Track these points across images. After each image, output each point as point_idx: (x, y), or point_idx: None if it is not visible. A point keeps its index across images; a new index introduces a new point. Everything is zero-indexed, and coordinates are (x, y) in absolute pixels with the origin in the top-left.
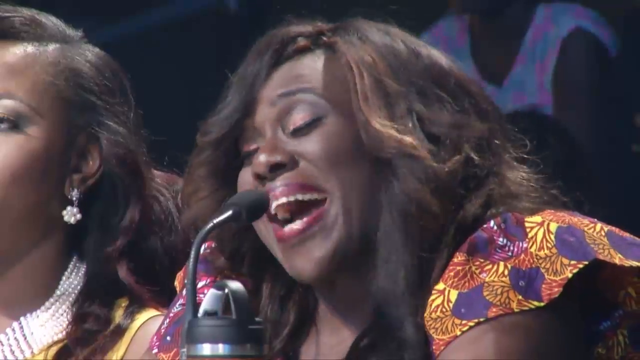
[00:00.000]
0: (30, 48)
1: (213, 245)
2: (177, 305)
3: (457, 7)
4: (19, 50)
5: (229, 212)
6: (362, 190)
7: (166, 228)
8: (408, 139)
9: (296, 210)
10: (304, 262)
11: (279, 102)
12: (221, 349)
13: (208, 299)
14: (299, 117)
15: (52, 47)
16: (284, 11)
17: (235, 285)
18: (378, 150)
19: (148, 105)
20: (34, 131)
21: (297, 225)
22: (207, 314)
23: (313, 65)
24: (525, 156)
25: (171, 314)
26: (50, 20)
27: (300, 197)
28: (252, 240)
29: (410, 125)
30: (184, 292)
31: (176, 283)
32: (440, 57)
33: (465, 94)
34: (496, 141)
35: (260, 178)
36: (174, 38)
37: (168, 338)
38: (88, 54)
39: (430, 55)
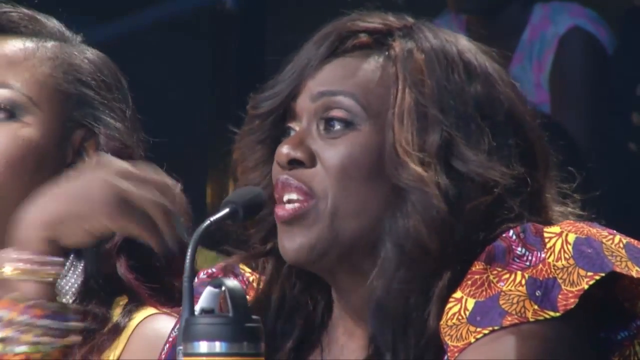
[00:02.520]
0: (29, 42)
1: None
2: (175, 331)
3: (454, 7)
4: (17, 43)
5: (226, 210)
6: (364, 206)
7: None
8: (426, 173)
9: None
10: (288, 243)
11: (320, 99)
12: (218, 346)
13: (205, 296)
14: (334, 114)
15: (50, 43)
16: (280, 10)
17: (232, 283)
18: (395, 176)
19: (144, 105)
20: (30, 120)
21: (286, 211)
22: (204, 311)
23: (363, 67)
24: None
25: (170, 339)
26: (49, 20)
27: (302, 197)
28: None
29: (436, 157)
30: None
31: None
32: (499, 84)
33: (513, 130)
34: (536, 184)
35: (280, 165)
36: (170, 37)
37: None
38: (87, 52)
39: (487, 81)
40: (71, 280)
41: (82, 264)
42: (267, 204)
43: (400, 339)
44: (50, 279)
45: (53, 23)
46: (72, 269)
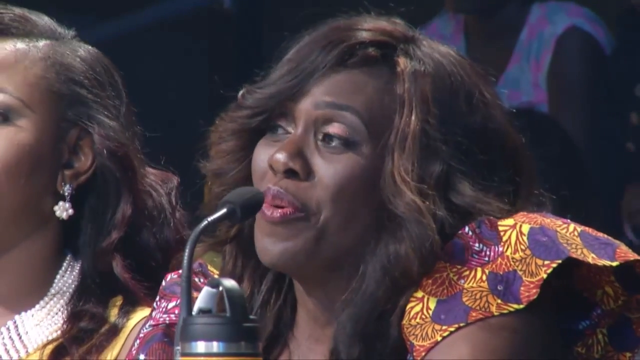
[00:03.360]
0: (20, 43)
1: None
2: (146, 327)
3: (452, 7)
4: (8, 46)
5: (224, 210)
6: (356, 225)
7: (158, 224)
8: (424, 204)
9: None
10: (270, 244)
11: (324, 108)
12: (215, 346)
13: (202, 296)
14: (336, 130)
15: (42, 42)
16: (277, 10)
17: (230, 283)
18: (390, 202)
19: (141, 104)
20: (25, 124)
21: (277, 213)
22: (202, 311)
23: (371, 84)
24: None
25: (141, 335)
26: (41, 18)
27: (292, 209)
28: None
29: (435, 189)
30: (153, 313)
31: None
32: (495, 114)
33: (509, 162)
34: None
35: (272, 170)
36: (167, 36)
37: (142, 357)
38: (79, 50)
39: (486, 112)
40: (69, 280)
41: (79, 264)
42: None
43: (367, 350)
44: None
45: (44, 21)
46: (69, 269)
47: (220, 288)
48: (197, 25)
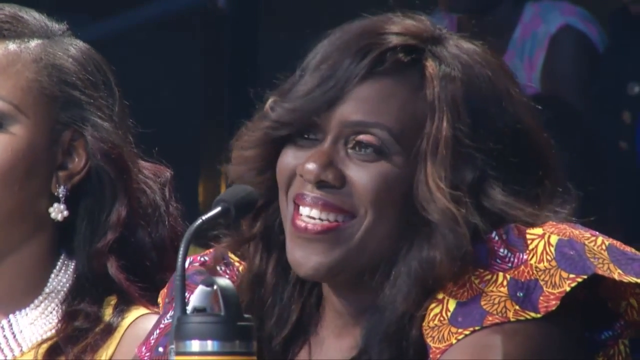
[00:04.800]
0: (11, 46)
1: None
2: (167, 317)
3: (445, 7)
4: (0, 49)
5: (218, 209)
6: (392, 231)
7: (153, 222)
8: (456, 211)
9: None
10: (304, 259)
11: (354, 126)
12: (210, 345)
13: (197, 295)
14: (368, 139)
15: (34, 43)
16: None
17: (224, 281)
18: (424, 209)
19: (135, 103)
20: (18, 130)
21: (316, 224)
22: (196, 310)
23: (400, 92)
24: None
25: (162, 325)
26: (32, 16)
27: (332, 218)
28: (266, 219)
29: (468, 195)
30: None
31: (159, 300)
32: (524, 114)
33: (534, 161)
34: (544, 216)
35: (305, 180)
36: (162, 35)
37: (160, 349)
38: (71, 49)
39: (515, 114)
40: (63, 279)
41: (73, 263)
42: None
43: (397, 352)
44: None
45: (35, 19)
46: (64, 268)
47: (215, 287)
48: (191, 25)
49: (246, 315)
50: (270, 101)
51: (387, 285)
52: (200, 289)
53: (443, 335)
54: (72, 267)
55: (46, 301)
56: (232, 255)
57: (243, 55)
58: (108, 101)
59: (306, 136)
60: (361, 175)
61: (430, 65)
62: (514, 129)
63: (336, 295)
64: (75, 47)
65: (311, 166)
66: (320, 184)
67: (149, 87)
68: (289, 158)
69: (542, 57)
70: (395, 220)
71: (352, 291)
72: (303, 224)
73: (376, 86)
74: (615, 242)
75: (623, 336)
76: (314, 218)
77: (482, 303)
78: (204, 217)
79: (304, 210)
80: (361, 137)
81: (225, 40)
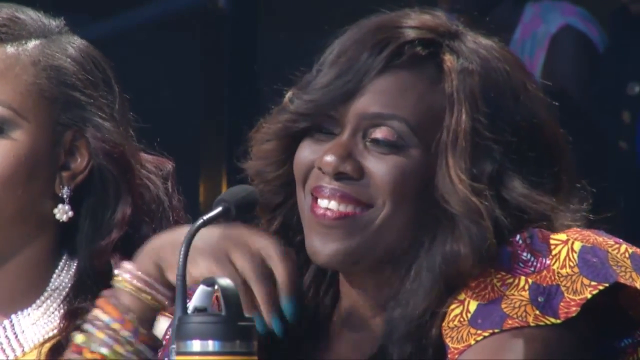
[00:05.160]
0: (9, 49)
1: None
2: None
3: (445, 7)
4: None
5: (219, 209)
6: (410, 223)
7: (157, 218)
8: (479, 203)
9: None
10: (322, 246)
11: (372, 119)
12: (211, 345)
13: (198, 295)
14: (384, 134)
15: (32, 44)
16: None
17: (225, 281)
18: (446, 201)
19: (136, 103)
20: (19, 135)
21: (333, 209)
22: (197, 310)
23: (418, 85)
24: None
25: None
26: (29, 16)
27: (350, 209)
28: (285, 216)
29: (489, 187)
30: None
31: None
32: (540, 109)
33: (550, 156)
34: (561, 210)
35: (321, 171)
36: (162, 35)
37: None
38: (69, 48)
39: (532, 108)
40: (65, 278)
41: (75, 263)
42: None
43: (417, 349)
44: (149, 300)
45: (32, 19)
46: (66, 267)
47: (216, 287)
48: (191, 25)
49: (247, 315)
50: (289, 94)
51: (408, 280)
52: (201, 288)
53: (462, 335)
54: (74, 266)
55: (48, 301)
56: None
57: (243, 55)
58: (108, 99)
59: (324, 130)
60: (379, 167)
61: (449, 59)
62: (530, 123)
63: (354, 288)
64: (73, 45)
65: (330, 158)
66: (338, 176)
67: (149, 87)
68: (307, 151)
69: (542, 57)
70: (413, 212)
71: (370, 284)
72: (322, 211)
73: (393, 79)
74: (638, 250)
75: None
76: (332, 210)
77: (503, 306)
78: (204, 217)
79: (322, 203)
80: (377, 133)
81: (225, 40)
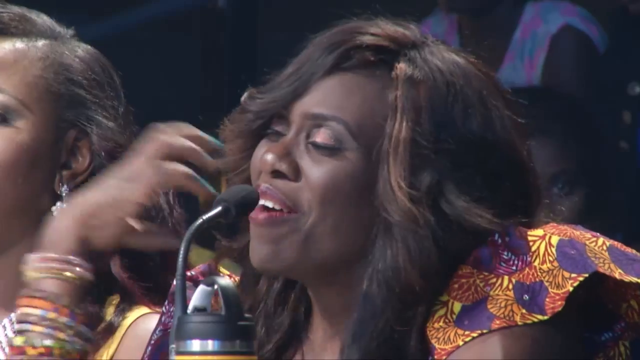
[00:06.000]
0: (19, 43)
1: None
2: (157, 332)
3: (445, 7)
4: (7, 45)
5: (219, 209)
6: (345, 230)
7: (156, 218)
8: (417, 212)
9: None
10: (255, 249)
11: (314, 119)
12: (210, 345)
13: (197, 295)
14: (322, 136)
15: (41, 42)
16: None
17: (225, 281)
18: (385, 209)
19: (134, 103)
20: (23, 124)
21: (263, 215)
22: (197, 310)
23: (364, 89)
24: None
25: (152, 341)
26: (40, 18)
27: (277, 207)
28: None
29: (426, 195)
30: (163, 318)
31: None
32: (497, 124)
33: (506, 173)
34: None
35: (262, 172)
36: (161, 35)
37: None
38: (77, 50)
39: (486, 122)
40: None
41: None
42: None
43: (380, 349)
44: (74, 279)
45: (43, 20)
46: None
47: (215, 286)
48: (191, 25)
49: (247, 315)
50: (246, 93)
51: (361, 296)
52: (201, 288)
53: (449, 336)
54: None
55: None
56: (222, 269)
57: (243, 55)
58: (114, 102)
59: (277, 129)
60: (314, 170)
61: (400, 67)
62: (481, 138)
63: (318, 297)
64: (82, 49)
65: (268, 156)
66: (275, 174)
67: (149, 87)
68: (259, 154)
69: (542, 57)
70: (348, 219)
71: (331, 293)
72: (255, 215)
73: (340, 80)
74: (616, 243)
75: (623, 338)
76: (264, 208)
77: (489, 306)
78: (204, 217)
79: (260, 202)
80: (316, 136)
81: (225, 40)
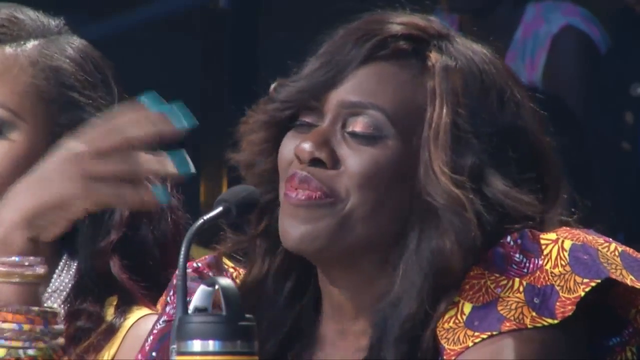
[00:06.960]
0: (8, 50)
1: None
2: (160, 322)
3: (446, 6)
4: None
5: (219, 209)
6: (384, 216)
7: (155, 218)
8: (462, 196)
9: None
10: (290, 227)
11: (351, 107)
12: (211, 345)
13: (198, 295)
14: (362, 125)
15: (30, 45)
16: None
17: (226, 281)
18: (428, 194)
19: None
20: (17, 136)
21: (303, 195)
22: (198, 310)
23: (400, 77)
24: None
25: (155, 331)
26: (27, 16)
27: (317, 194)
28: (271, 218)
29: (468, 179)
30: (167, 308)
31: (158, 306)
32: (526, 115)
33: (534, 162)
34: (543, 211)
35: (298, 159)
36: (162, 35)
37: (154, 354)
38: (68, 49)
39: (517, 112)
40: (65, 279)
41: (75, 264)
42: (260, 201)
43: (410, 351)
44: (30, 280)
45: (31, 19)
46: (66, 268)
47: (216, 287)
48: (191, 24)
49: (248, 315)
50: (274, 84)
51: (397, 278)
52: (202, 288)
53: (459, 337)
54: (75, 267)
55: (49, 302)
56: (226, 262)
57: (243, 55)
58: (107, 100)
59: (307, 121)
60: (354, 157)
61: (434, 56)
62: (514, 125)
63: (335, 287)
64: (72, 46)
65: (306, 145)
66: (312, 162)
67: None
68: (289, 145)
69: (543, 57)
70: (389, 205)
71: (351, 283)
72: (293, 194)
73: (375, 69)
74: (628, 249)
75: (631, 343)
76: (301, 192)
77: (499, 308)
78: (205, 217)
79: (294, 186)
80: (354, 125)
81: (225, 40)
